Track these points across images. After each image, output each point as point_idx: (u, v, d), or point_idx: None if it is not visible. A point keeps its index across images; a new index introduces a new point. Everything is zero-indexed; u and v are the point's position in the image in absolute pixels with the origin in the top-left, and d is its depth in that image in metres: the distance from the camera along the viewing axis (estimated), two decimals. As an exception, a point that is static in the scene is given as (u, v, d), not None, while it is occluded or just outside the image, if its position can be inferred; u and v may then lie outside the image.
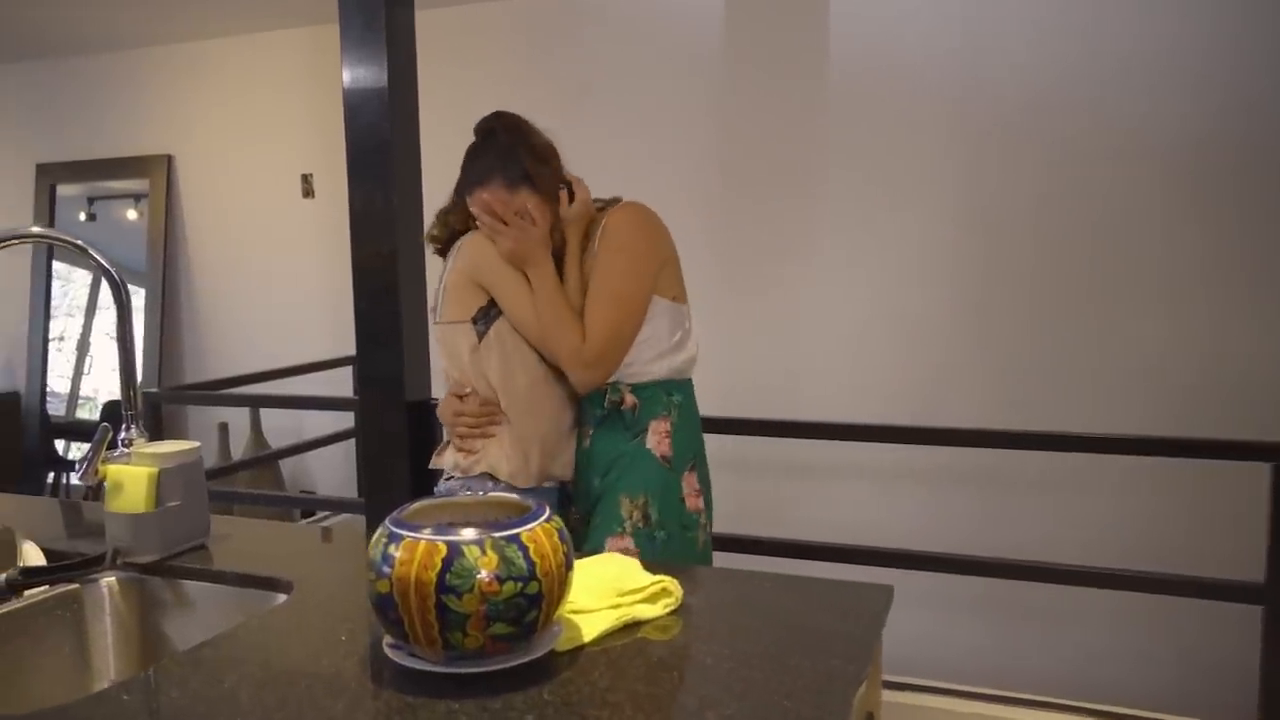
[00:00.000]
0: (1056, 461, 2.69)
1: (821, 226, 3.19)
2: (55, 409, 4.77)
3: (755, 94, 3.25)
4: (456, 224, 1.79)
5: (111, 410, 4.53)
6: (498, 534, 0.94)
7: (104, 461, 1.35)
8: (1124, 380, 2.88)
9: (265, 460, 3.78)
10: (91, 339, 4.74)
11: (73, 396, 4.75)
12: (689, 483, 1.71)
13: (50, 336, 4.77)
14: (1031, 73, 2.91)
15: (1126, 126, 2.83)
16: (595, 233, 1.70)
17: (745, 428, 2.46)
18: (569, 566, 0.99)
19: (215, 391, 3.32)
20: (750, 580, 1.24)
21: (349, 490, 4.05)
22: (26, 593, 1.29)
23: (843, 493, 3.17)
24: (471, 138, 1.77)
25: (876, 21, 3.07)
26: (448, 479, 1.75)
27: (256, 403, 3.74)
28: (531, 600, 0.93)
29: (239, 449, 4.08)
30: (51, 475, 4.77)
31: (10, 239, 1.33)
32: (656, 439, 1.68)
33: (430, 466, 1.83)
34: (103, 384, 4.70)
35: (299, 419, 4.14)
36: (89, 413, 4.70)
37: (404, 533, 0.95)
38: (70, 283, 4.81)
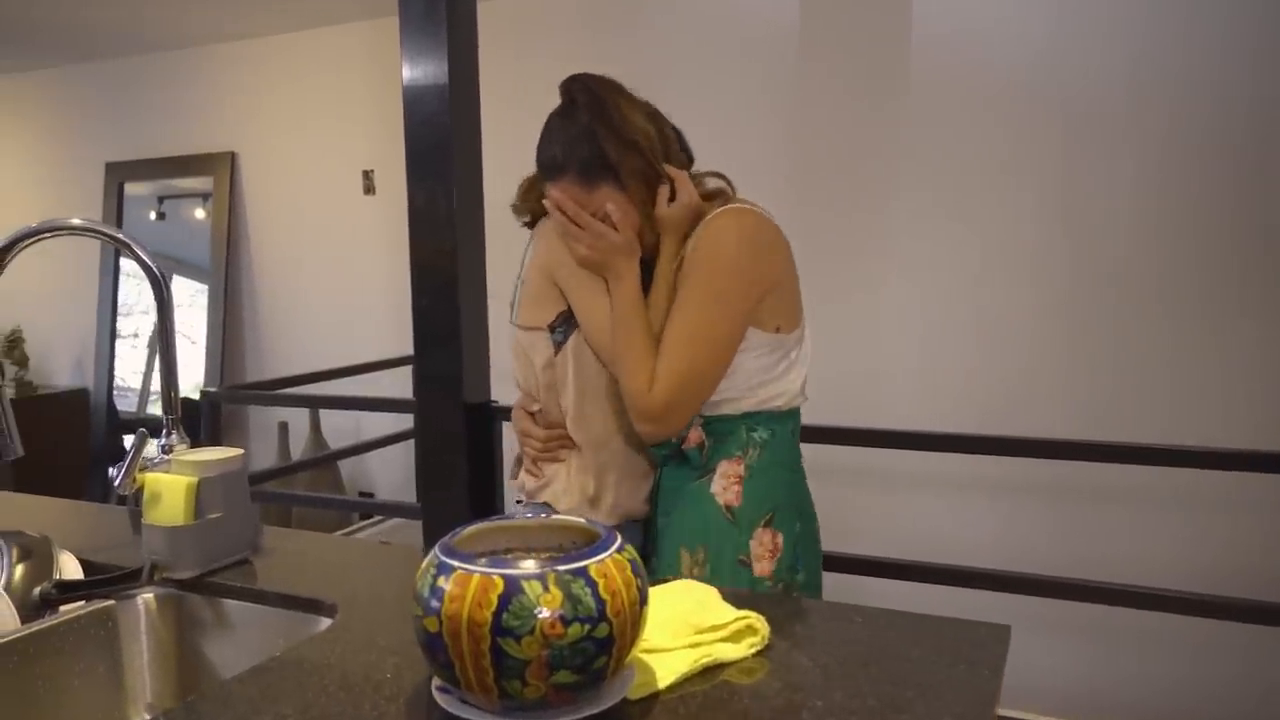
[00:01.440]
0: (1146, 476, 2.48)
1: (897, 225, 3.01)
2: (127, 405, 4.81)
3: (828, 87, 3.09)
4: (535, 203, 1.54)
5: (183, 408, 4.54)
6: (562, 567, 0.81)
7: (142, 469, 1.26)
8: (1222, 388, 2.66)
9: (324, 461, 3.73)
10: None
11: (144, 392, 4.78)
12: (762, 542, 1.39)
13: (123, 334, 4.80)
14: (1124, 64, 2.70)
15: (1227, 122, 2.61)
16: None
17: (817, 435, 2.29)
18: (643, 604, 0.86)
19: (274, 391, 3.27)
20: (843, 615, 1.10)
21: (408, 491, 3.99)
22: (62, 609, 1.21)
23: (914, 503, 2.99)
24: (531, 128, 1.49)
25: (959, 12, 2.88)
26: (517, 501, 1.61)
27: (316, 403, 3.69)
28: (600, 645, 0.81)
29: (298, 448, 4.05)
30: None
31: (48, 231, 1.26)
32: (723, 484, 1.40)
33: (508, 480, 1.71)
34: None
35: (358, 418, 4.09)
36: (160, 408, 4.73)
37: (455, 563, 0.83)
38: (145, 280, 4.84)
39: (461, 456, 2.42)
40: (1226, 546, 2.65)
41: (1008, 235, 2.89)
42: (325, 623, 1.13)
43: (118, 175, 4.68)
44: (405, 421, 3.81)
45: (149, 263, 1.29)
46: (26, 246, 1.22)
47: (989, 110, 2.87)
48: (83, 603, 1.22)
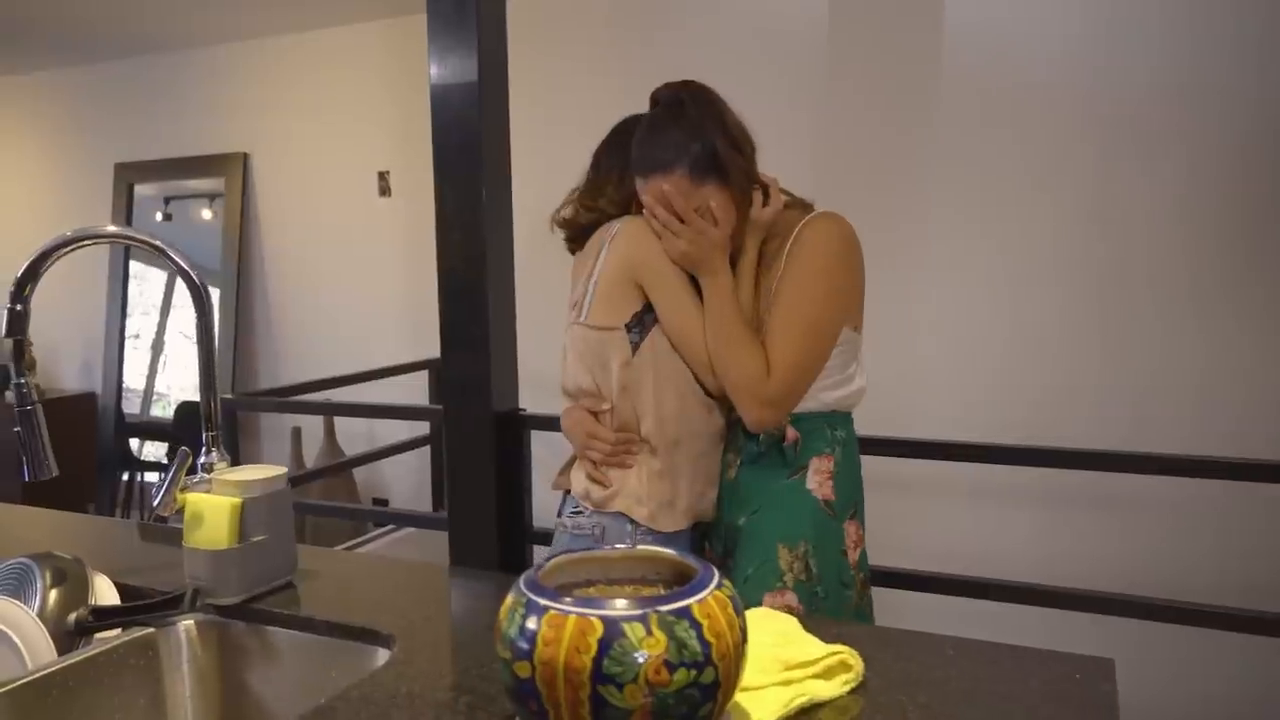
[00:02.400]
0: (1181, 484, 2.41)
1: (931, 227, 2.94)
2: (129, 407, 4.74)
3: (857, 90, 3.03)
4: (609, 207, 1.55)
5: (186, 412, 4.47)
6: (664, 608, 0.75)
7: (182, 489, 1.19)
8: (1263, 396, 2.59)
9: (341, 468, 3.66)
10: (166, 337, 4.70)
11: (147, 395, 4.72)
12: (851, 532, 1.47)
13: (126, 335, 4.74)
14: (1160, 66, 2.64)
15: (1267, 124, 2.54)
16: (782, 241, 1.44)
17: None
18: (744, 643, 0.79)
19: (290, 398, 3.20)
20: (934, 646, 1.04)
21: (422, 497, 3.92)
22: (98, 636, 1.15)
23: (941, 511, 2.92)
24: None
25: (991, 15, 2.82)
26: (575, 510, 1.54)
27: (331, 410, 3.62)
28: (706, 691, 0.74)
29: (312, 453, 3.99)
30: (125, 474, 4.73)
31: (86, 239, 1.19)
32: (819, 479, 1.44)
33: (553, 488, 1.64)
34: (174, 381, 4.65)
35: (372, 424, 4.03)
36: (162, 410, 4.66)
37: (547, 603, 0.76)
38: (145, 281, 4.78)
39: (490, 466, 2.36)
40: (1262, 557, 2.59)
41: (1041, 241, 2.82)
42: (382, 654, 1.07)
43: (127, 176, 4.61)
44: (420, 427, 3.75)
45: (188, 270, 1.23)
46: (63, 256, 1.15)
47: (1022, 114, 2.81)
48: (119, 631, 1.16)
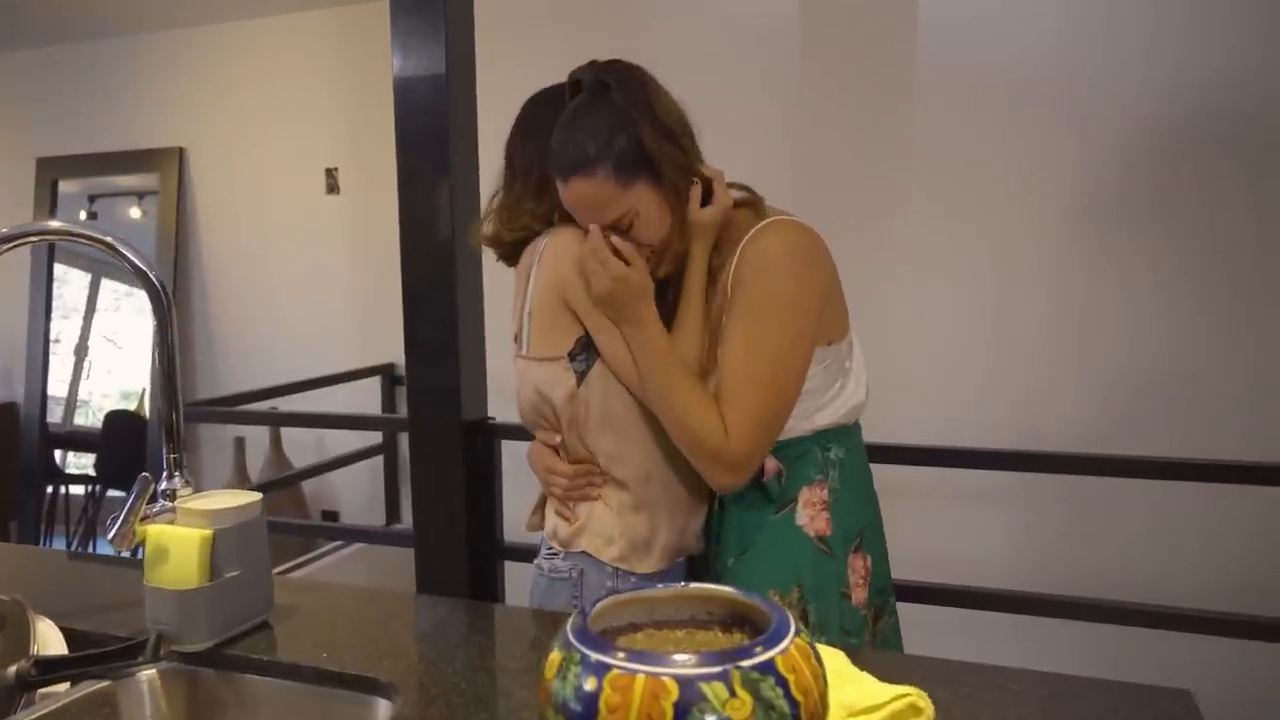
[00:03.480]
0: (1164, 486, 2.39)
1: (909, 225, 2.89)
2: (51, 416, 4.46)
3: (830, 85, 2.96)
4: (533, 223, 1.34)
5: (115, 421, 4.22)
6: (746, 663, 0.64)
7: (141, 520, 1.05)
8: (1248, 395, 2.59)
9: (288, 482, 3.48)
10: (90, 342, 4.43)
11: (70, 403, 4.44)
12: (855, 569, 1.28)
13: (53, 338, 4.46)
14: (1140, 58, 2.62)
15: (1248, 120, 2.54)
16: (731, 250, 1.24)
17: None
18: (827, 697, 0.69)
19: (234, 409, 3.01)
20: (996, 680, 0.95)
21: (374, 509, 3.75)
22: (43, 692, 1.00)
23: (921, 515, 2.86)
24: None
25: (967, 4, 2.77)
26: (550, 552, 1.39)
27: (280, 421, 3.43)
28: (796, 758, 0.64)
29: (256, 465, 3.78)
30: (50, 488, 4.44)
31: (26, 236, 1.04)
32: (810, 513, 1.27)
33: (527, 528, 1.50)
34: (98, 388, 4.39)
35: (321, 433, 3.84)
36: (86, 418, 4.39)
37: (608, 660, 0.65)
38: (65, 284, 4.50)
39: (458, 479, 2.23)
40: (1243, 559, 2.59)
41: (1024, 237, 2.78)
42: (382, 707, 0.94)
43: (50, 172, 4.33)
44: (372, 437, 3.58)
45: (147, 270, 1.08)
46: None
47: (1000, 108, 2.77)
48: (69, 685, 1.01)
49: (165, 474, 1.10)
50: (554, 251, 1.30)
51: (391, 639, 1.08)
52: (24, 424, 4.44)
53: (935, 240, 2.87)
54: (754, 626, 0.76)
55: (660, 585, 0.81)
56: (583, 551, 1.33)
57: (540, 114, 1.35)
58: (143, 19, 3.86)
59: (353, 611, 1.17)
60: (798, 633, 0.70)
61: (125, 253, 1.09)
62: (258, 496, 1.10)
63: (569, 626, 0.71)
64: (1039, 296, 2.77)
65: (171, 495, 1.09)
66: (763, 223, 1.24)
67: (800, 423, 1.26)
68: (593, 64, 1.27)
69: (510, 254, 1.41)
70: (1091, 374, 2.73)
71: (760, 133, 3.00)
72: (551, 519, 1.39)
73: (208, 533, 1.03)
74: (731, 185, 1.31)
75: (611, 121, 1.20)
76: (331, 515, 3.90)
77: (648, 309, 1.22)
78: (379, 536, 2.69)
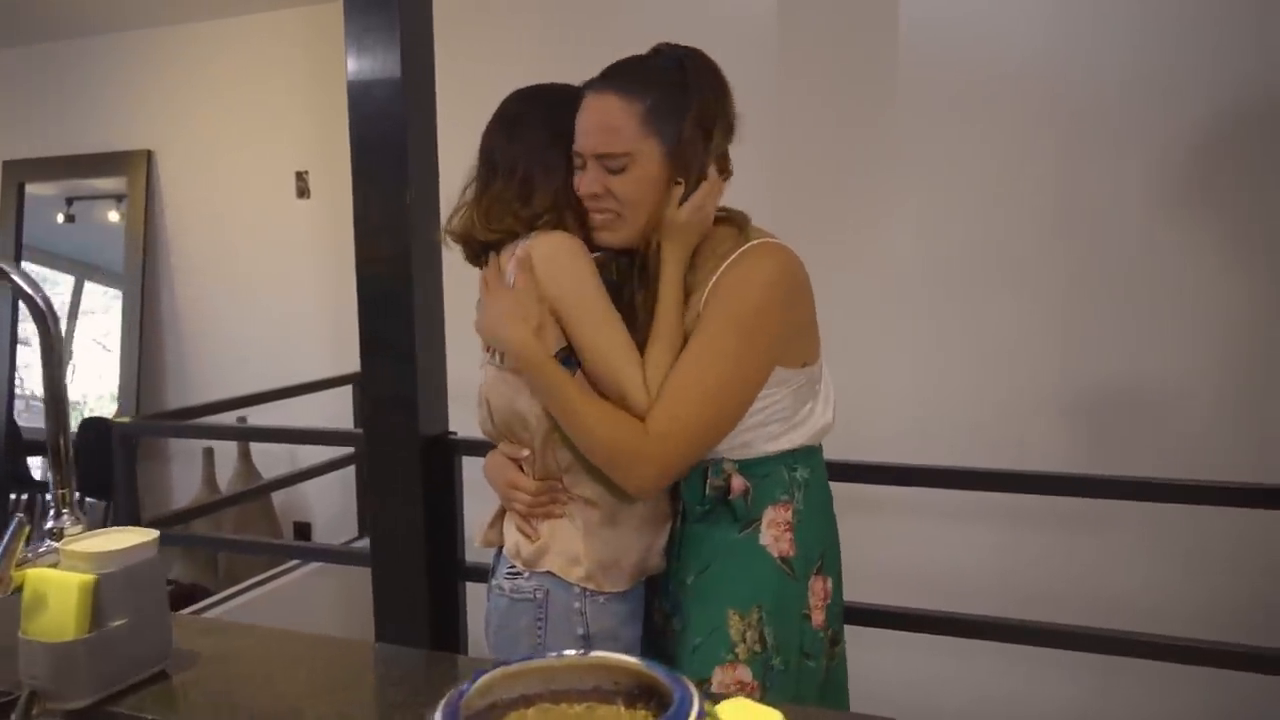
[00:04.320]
0: (1160, 509, 2.30)
1: (888, 231, 2.80)
2: (33, 421, 4.36)
3: (808, 87, 2.87)
4: (516, 226, 1.26)
5: (91, 429, 4.13)
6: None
7: (19, 564, 0.96)
8: (1234, 409, 2.51)
9: (257, 494, 3.39)
10: (75, 345, 4.33)
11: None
12: (815, 591, 1.27)
13: (21, 339, 4.36)
14: (1125, 58, 2.54)
15: (1247, 116, 2.46)
16: (713, 268, 1.23)
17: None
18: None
19: (198, 422, 2.91)
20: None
21: (346, 520, 3.66)
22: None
23: (898, 532, 2.78)
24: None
25: (949, 4, 2.69)
26: (511, 570, 1.31)
27: (247, 435, 3.35)
28: None
29: (226, 472, 3.69)
30: (18, 497, 4.34)
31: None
32: (775, 533, 1.25)
33: (480, 544, 1.42)
34: (91, 389, 4.28)
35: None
36: (74, 421, 4.27)
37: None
38: (55, 285, 4.40)
39: (417, 496, 2.14)
40: (1227, 578, 2.50)
41: (1003, 243, 2.70)
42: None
43: (17, 175, 4.24)
44: (344, 447, 3.49)
45: (26, 290, 1.00)
46: None
47: (982, 110, 2.68)
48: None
49: (52, 510, 1.01)
50: (542, 256, 1.22)
51: (303, 690, 1.00)
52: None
53: (915, 247, 2.78)
54: (660, 701, 0.68)
55: (565, 653, 0.72)
56: (547, 571, 1.28)
57: (528, 112, 1.30)
58: (110, 18, 3.78)
59: (259, 659, 1.08)
60: (702, 714, 0.61)
61: (13, 277, 1.00)
62: (153, 535, 1.01)
63: (441, 710, 0.62)
64: (1021, 305, 2.69)
65: (58, 534, 1.00)
66: (747, 245, 1.23)
67: (770, 444, 1.25)
68: (672, 45, 1.28)
69: (479, 254, 1.33)
70: (1075, 386, 2.65)
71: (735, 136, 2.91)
72: (513, 535, 1.32)
73: (89, 577, 0.94)
74: (732, 215, 1.30)
75: (673, 80, 1.21)
76: (303, 526, 3.81)
77: (520, 328, 1.21)
78: (336, 555, 2.60)
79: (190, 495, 3.75)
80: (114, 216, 4.15)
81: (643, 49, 1.29)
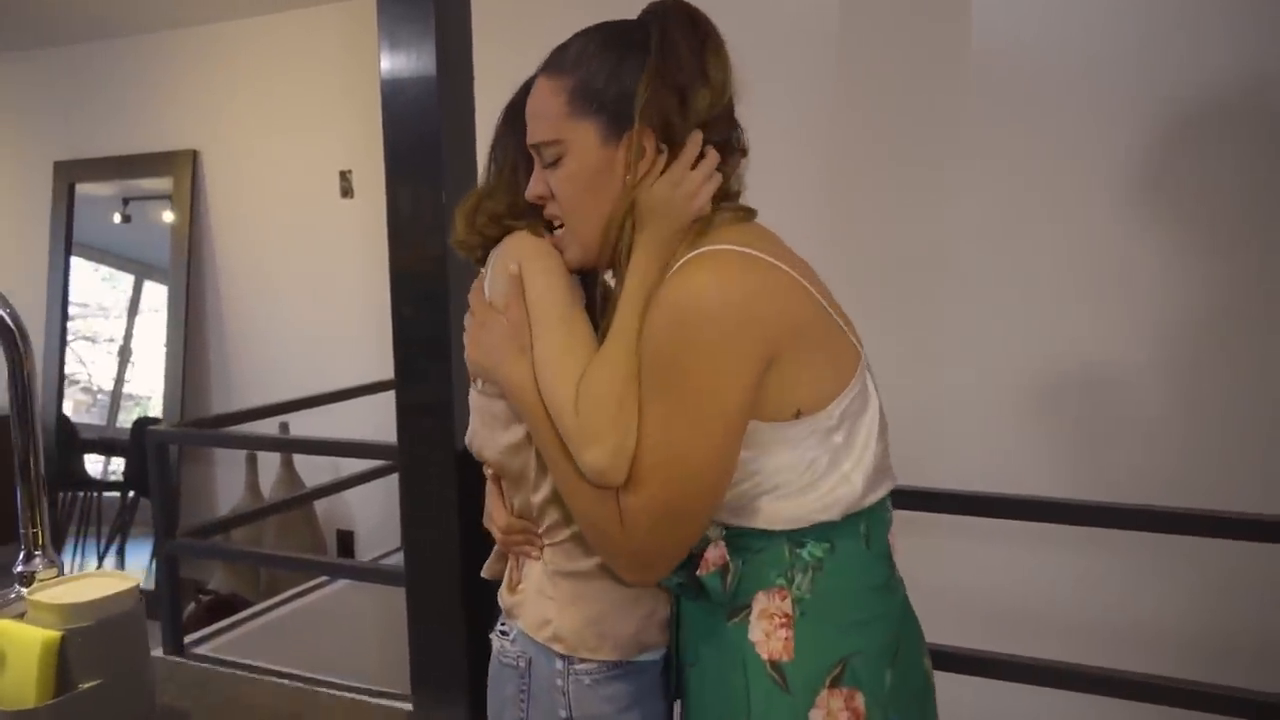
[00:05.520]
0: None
1: (964, 236, 2.60)
2: (96, 418, 4.36)
3: (878, 76, 2.69)
4: (487, 224, 1.08)
5: (143, 427, 4.09)
6: None
7: (-18, 616, 0.85)
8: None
9: (297, 503, 3.31)
10: (134, 343, 4.32)
11: (114, 402, 4.31)
12: (828, 710, 0.95)
13: (80, 335, 4.36)
14: (1227, 55, 2.31)
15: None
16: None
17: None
18: None
19: (230, 431, 2.82)
20: None
21: (391, 527, 3.56)
22: None
23: (973, 551, 2.59)
24: None
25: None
26: (502, 627, 1.15)
27: (277, 446, 3.27)
28: None
29: (269, 476, 3.63)
30: (71, 494, 4.34)
31: None
32: (767, 628, 0.96)
33: (483, 574, 1.27)
34: (155, 387, 4.25)
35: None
36: (138, 414, 4.25)
37: None
38: (116, 283, 4.39)
39: (452, 513, 2.02)
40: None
41: (1086, 247, 2.49)
42: None
43: (68, 175, 4.24)
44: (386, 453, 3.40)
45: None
46: None
47: (1064, 105, 2.47)
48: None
49: (23, 554, 0.90)
50: (501, 256, 1.04)
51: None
52: (44, 435, 4.36)
53: (985, 249, 2.59)
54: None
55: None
56: (523, 628, 1.10)
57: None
58: (152, 18, 3.74)
59: (254, 716, 0.96)
60: None
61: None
62: (133, 583, 0.89)
63: None
64: (1099, 311, 2.47)
65: (28, 580, 0.89)
66: (693, 253, 0.93)
67: (760, 515, 0.96)
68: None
69: (479, 258, 1.13)
70: (1158, 400, 2.43)
71: (791, 133, 2.75)
72: (504, 582, 1.17)
73: (53, 635, 0.83)
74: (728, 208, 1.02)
75: (622, 42, 0.99)
76: (346, 535, 3.74)
77: (516, 359, 0.99)
78: (367, 573, 2.50)
79: (234, 500, 3.70)
80: (168, 216, 4.13)
81: None
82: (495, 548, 1.24)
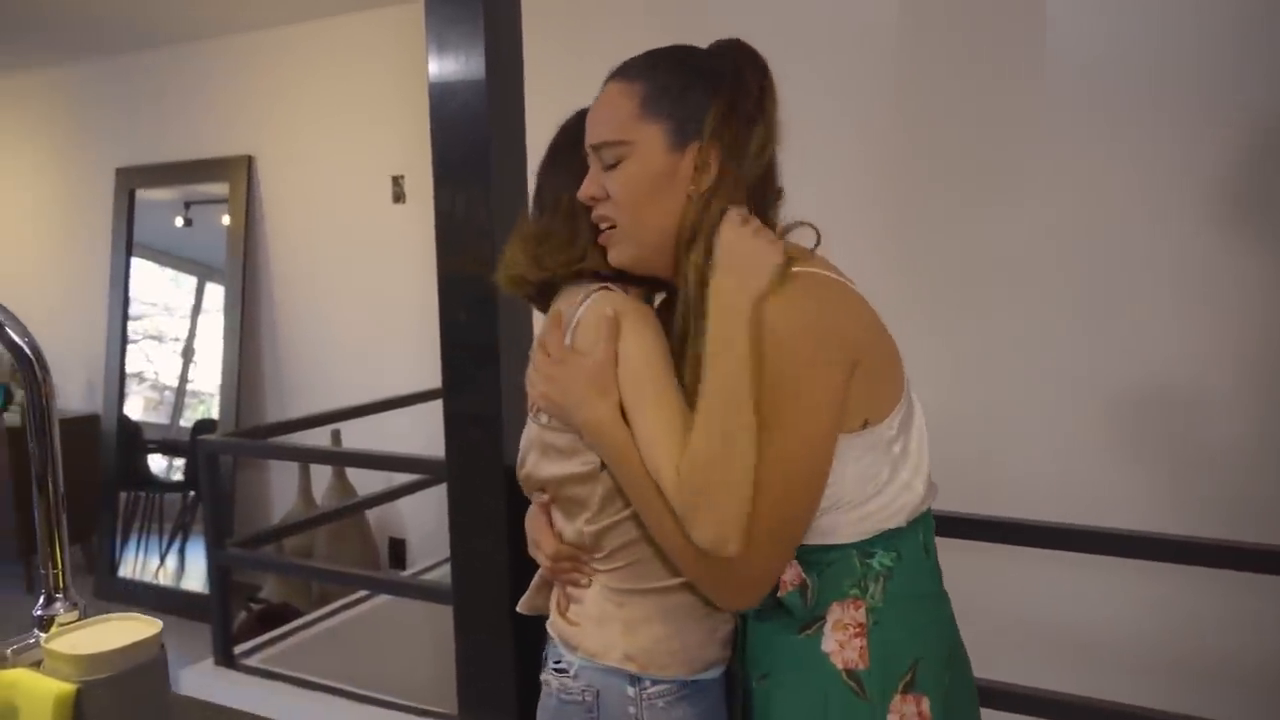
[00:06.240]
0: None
1: (1036, 247, 2.46)
2: (160, 417, 4.40)
3: (944, 78, 2.57)
4: (557, 268, 1.11)
5: (202, 429, 4.12)
6: None
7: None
8: None
9: (347, 511, 3.30)
10: (196, 343, 4.36)
11: (179, 401, 4.33)
12: (901, 715, 0.99)
13: (139, 336, 4.41)
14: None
15: None
16: None
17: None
18: None
19: (277, 442, 2.80)
20: None
21: (443, 536, 3.54)
22: None
23: (1032, 570, 2.45)
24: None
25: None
26: (559, 665, 1.13)
27: (323, 459, 3.26)
28: None
29: (322, 486, 3.62)
30: (134, 494, 4.39)
31: None
32: (840, 638, 1.00)
33: (520, 608, 1.25)
34: (215, 385, 4.28)
35: (387, 449, 3.66)
36: (206, 410, 4.30)
37: None
38: (181, 285, 4.43)
39: (501, 531, 1.96)
40: None
41: (1169, 262, 2.34)
42: None
43: (129, 181, 4.29)
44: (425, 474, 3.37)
45: (17, 340, 0.84)
46: None
47: (1145, 110, 2.32)
48: None
49: (43, 594, 0.85)
50: (596, 308, 1.05)
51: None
52: (104, 434, 4.42)
53: (1058, 261, 2.45)
54: None
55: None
56: (591, 661, 1.08)
57: (575, 139, 1.12)
58: (211, 24, 3.76)
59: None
60: None
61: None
62: (154, 630, 0.84)
63: None
64: (1193, 325, 2.32)
65: (47, 625, 0.84)
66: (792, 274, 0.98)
67: (833, 532, 1.00)
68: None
69: (536, 295, 1.17)
70: (1257, 429, 2.27)
71: (851, 135, 2.64)
72: (553, 609, 1.15)
73: (68, 689, 0.77)
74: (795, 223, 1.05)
75: (696, 64, 1.03)
76: (398, 543, 3.72)
77: (600, 401, 1.00)
78: (413, 590, 2.46)
79: (289, 504, 3.71)
80: (227, 220, 4.17)
81: (758, 42, 1.08)
82: (534, 581, 1.22)
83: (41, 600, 0.85)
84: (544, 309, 1.16)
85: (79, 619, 0.86)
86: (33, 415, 0.84)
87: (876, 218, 2.60)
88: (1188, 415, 2.34)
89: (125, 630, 0.84)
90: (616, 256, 1.05)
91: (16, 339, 0.84)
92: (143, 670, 0.82)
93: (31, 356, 0.84)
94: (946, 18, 2.54)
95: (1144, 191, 2.35)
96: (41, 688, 0.78)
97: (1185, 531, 1.74)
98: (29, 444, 0.85)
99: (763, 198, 1.03)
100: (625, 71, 1.04)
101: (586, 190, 1.05)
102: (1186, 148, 2.28)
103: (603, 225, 1.05)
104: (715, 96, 0.99)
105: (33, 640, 0.84)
